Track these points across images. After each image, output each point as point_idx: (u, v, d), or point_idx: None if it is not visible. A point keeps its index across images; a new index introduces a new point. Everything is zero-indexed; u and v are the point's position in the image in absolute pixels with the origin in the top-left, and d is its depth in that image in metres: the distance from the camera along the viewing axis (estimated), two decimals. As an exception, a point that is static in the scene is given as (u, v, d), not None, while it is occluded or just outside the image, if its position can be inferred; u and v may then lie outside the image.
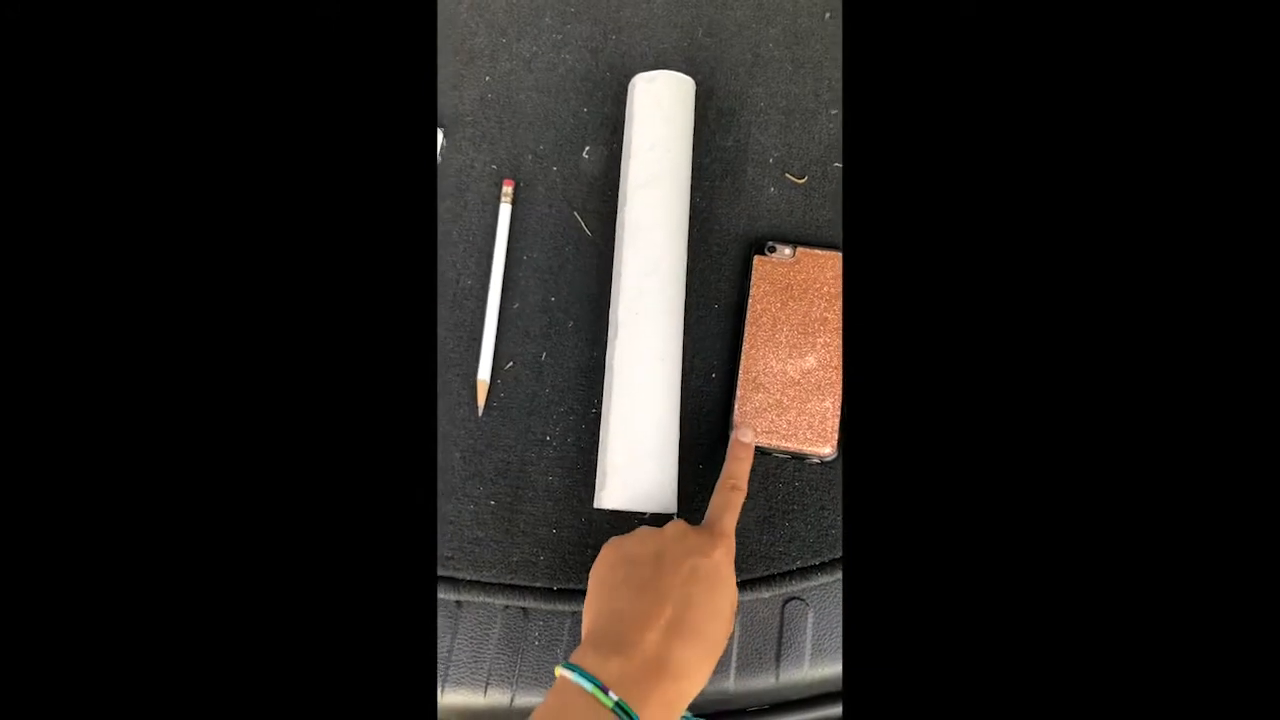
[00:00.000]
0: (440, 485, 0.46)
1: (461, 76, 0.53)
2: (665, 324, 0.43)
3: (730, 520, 0.38)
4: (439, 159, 0.52)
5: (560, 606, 0.44)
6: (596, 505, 0.42)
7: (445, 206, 0.51)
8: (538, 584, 0.44)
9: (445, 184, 0.51)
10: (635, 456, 0.41)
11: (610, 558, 0.37)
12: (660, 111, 0.46)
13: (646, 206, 0.45)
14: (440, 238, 0.50)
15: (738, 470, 0.41)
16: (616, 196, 0.50)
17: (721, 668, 0.42)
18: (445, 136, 0.52)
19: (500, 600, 0.44)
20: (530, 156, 0.51)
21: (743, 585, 0.43)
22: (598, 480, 0.42)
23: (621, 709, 0.30)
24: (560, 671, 0.32)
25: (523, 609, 0.44)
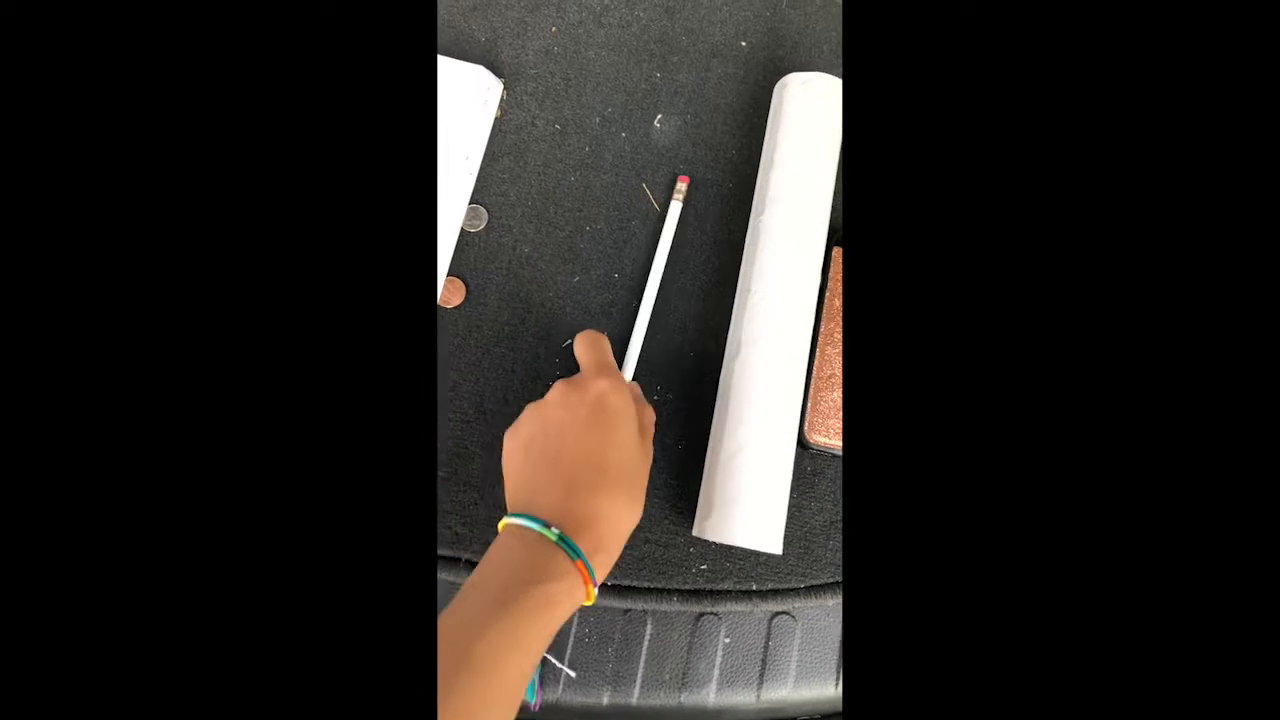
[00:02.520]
0: (492, 468, 0.43)
1: (525, 24, 0.49)
2: (798, 351, 0.40)
3: (595, 357, 0.38)
4: (498, 111, 0.48)
5: (613, 603, 0.41)
6: (700, 535, 0.39)
7: (503, 165, 0.47)
8: (590, 578, 0.42)
9: (504, 141, 0.47)
10: (755, 494, 0.38)
11: (511, 447, 0.36)
12: (809, 114, 0.43)
13: (795, 228, 0.41)
14: (498, 199, 0.47)
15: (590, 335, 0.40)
16: (686, 171, 0.47)
17: (780, 675, 0.41)
18: (506, 89, 0.48)
19: (549, 593, 0.42)
20: (598, 119, 0.48)
21: (806, 591, 0.42)
22: (706, 508, 0.39)
23: (565, 541, 0.31)
24: (504, 521, 0.33)
25: (572, 603, 0.42)
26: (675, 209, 0.46)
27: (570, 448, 0.34)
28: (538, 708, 0.40)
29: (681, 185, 0.46)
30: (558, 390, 0.36)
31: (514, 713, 0.29)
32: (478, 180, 0.47)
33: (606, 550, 0.33)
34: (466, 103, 0.47)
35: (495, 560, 0.32)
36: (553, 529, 0.31)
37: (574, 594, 0.31)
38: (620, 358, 0.44)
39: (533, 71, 0.49)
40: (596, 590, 0.32)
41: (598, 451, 0.34)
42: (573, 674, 0.40)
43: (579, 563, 0.31)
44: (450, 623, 0.29)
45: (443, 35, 0.49)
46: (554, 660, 0.41)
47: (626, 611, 0.42)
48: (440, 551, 0.42)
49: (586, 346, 0.39)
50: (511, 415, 0.44)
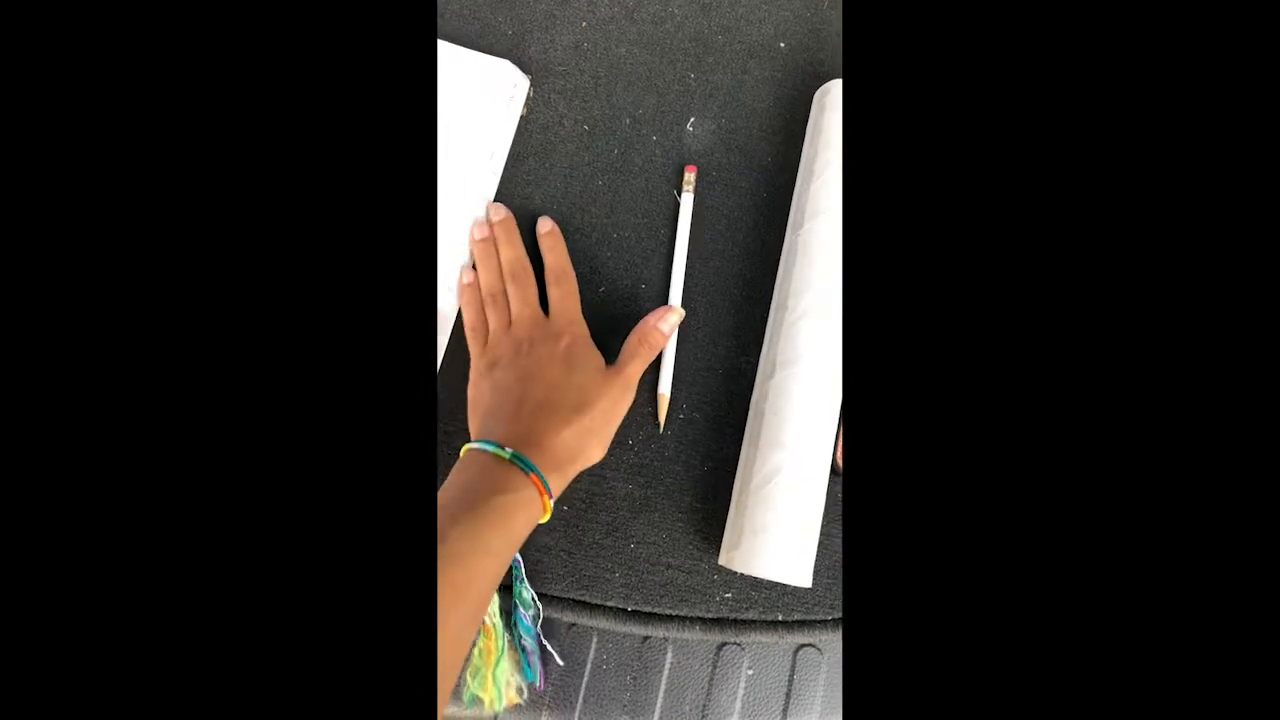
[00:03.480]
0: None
1: (554, 18, 0.47)
2: (837, 375, 0.38)
3: (569, 309, 0.41)
4: (524, 109, 0.46)
5: (633, 629, 0.40)
6: (727, 565, 0.37)
7: (528, 167, 0.45)
8: (610, 603, 0.40)
9: (529, 141, 0.45)
10: (787, 526, 0.36)
11: (482, 382, 0.40)
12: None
13: (836, 244, 0.39)
14: (522, 202, 0.45)
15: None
16: (720, 178, 0.45)
17: (805, 710, 0.39)
18: (533, 86, 0.46)
19: (567, 617, 0.40)
20: (628, 121, 0.46)
21: (834, 624, 0.40)
22: (735, 538, 0.37)
23: (518, 458, 0.34)
24: (465, 448, 0.36)
25: (590, 629, 0.40)
26: (687, 201, 0.44)
27: (537, 386, 0.37)
28: (543, 688, 0.39)
29: (689, 175, 0.44)
30: (532, 331, 0.40)
31: (482, 613, 0.32)
32: (501, 181, 0.45)
33: (560, 472, 0.36)
34: (491, 99, 0.44)
35: (454, 480, 0.34)
36: (506, 449, 0.34)
37: (530, 505, 0.34)
38: (653, 375, 0.42)
39: (561, 68, 0.46)
40: (552, 504, 0.35)
41: (560, 390, 0.37)
42: (561, 661, 0.40)
43: (533, 476, 0.34)
44: None
45: (467, 28, 0.47)
46: (549, 646, 0.40)
47: (646, 639, 0.40)
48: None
49: (563, 292, 0.42)
50: (532, 431, 0.42)
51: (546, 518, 0.35)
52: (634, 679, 0.40)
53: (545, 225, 0.44)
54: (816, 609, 0.40)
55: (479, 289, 0.43)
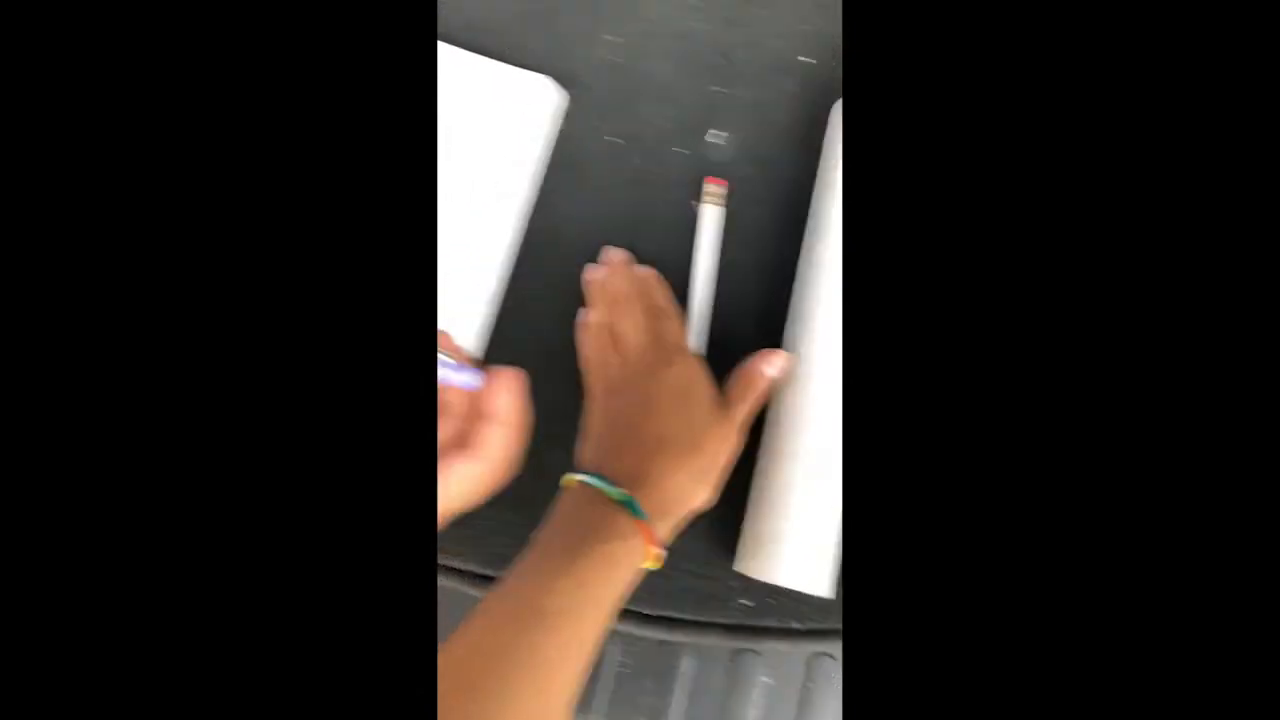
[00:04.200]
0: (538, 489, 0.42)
1: (583, 34, 0.48)
2: None
3: (674, 338, 0.40)
4: (559, 122, 0.47)
5: (652, 634, 0.41)
6: (743, 570, 0.38)
7: (561, 178, 0.46)
8: (629, 606, 0.41)
9: (558, 155, 0.47)
10: (804, 533, 0.37)
11: (597, 409, 0.39)
12: None
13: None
14: (551, 213, 0.46)
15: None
16: (741, 191, 0.46)
17: (820, 717, 0.40)
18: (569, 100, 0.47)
19: (587, 620, 0.41)
20: (653, 134, 0.47)
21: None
22: (753, 545, 0.38)
23: (630, 502, 0.33)
24: (570, 478, 0.35)
25: (613, 632, 0.41)
26: (709, 212, 0.45)
27: (653, 419, 0.36)
28: None
29: (709, 186, 0.45)
30: (647, 358, 0.38)
31: (591, 663, 0.30)
32: (530, 194, 0.46)
33: (666, 518, 0.34)
34: (528, 113, 0.46)
35: (561, 516, 0.33)
36: (615, 488, 0.33)
37: (636, 555, 0.33)
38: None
39: (588, 82, 0.47)
40: (663, 554, 0.33)
41: (675, 426, 0.36)
42: None
43: (642, 523, 0.32)
44: (519, 578, 0.31)
45: (498, 42, 0.48)
46: None
47: (663, 643, 0.41)
48: (483, 570, 0.42)
49: (668, 327, 0.41)
50: (556, 441, 0.43)
51: (658, 566, 0.34)
52: (653, 683, 0.40)
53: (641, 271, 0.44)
54: (831, 618, 0.41)
55: (595, 325, 0.43)
